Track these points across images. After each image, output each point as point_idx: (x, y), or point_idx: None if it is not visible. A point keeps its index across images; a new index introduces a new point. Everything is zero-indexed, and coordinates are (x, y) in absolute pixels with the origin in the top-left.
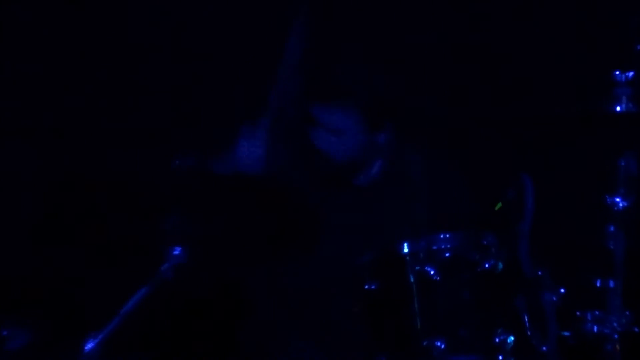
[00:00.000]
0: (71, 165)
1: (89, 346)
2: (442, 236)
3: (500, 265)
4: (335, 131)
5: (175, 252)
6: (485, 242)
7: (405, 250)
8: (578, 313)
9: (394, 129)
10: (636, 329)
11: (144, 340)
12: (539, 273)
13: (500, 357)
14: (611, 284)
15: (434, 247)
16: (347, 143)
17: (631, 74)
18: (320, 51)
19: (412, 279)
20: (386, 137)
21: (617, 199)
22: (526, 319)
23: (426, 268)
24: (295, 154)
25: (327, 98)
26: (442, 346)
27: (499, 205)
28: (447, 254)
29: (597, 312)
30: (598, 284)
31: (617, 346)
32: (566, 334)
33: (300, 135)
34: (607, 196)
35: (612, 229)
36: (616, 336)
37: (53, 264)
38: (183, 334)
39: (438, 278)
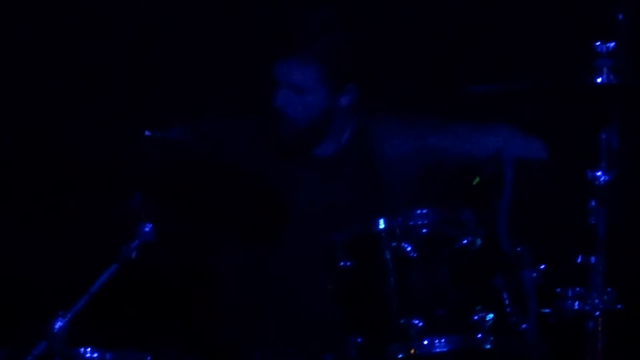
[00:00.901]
0: (31, 140)
1: (57, 325)
2: (418, 212)
3: (479, 242)
4: (296, 88)
5: (145, 230)
6: (463, 218)
7: (381, 226)
8: (558, 290)
9: (360, 94)
10: (619, 307)
11: (112, 319)
12: (518, 249)
13: (479, 336)
14: (592, 260)
15: (411, 223)
16: (308, 102)
17: (612, 44)
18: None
19: (388, 256)
20: (350, 100)
21: (599, 174)
22: (505, 297)
23: (402, 245)
24: (257, 124)
25: (287, 53)
26: (420, 324)
27: (477, 179)
28: (424, 230)
29: (578, 289)
30: (579, 260)
31: (599, 324)
32: (546, 311)
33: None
34: (588, 171)
35: (593, 204)
36: (598, 313)
37: (19, 242)
38: (151, 312)
39: (415, 255)
